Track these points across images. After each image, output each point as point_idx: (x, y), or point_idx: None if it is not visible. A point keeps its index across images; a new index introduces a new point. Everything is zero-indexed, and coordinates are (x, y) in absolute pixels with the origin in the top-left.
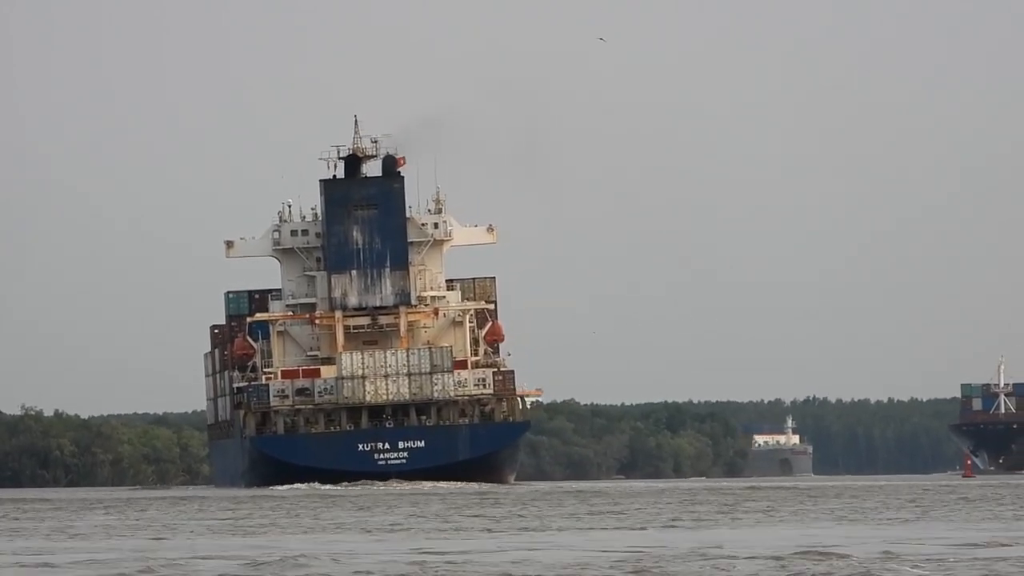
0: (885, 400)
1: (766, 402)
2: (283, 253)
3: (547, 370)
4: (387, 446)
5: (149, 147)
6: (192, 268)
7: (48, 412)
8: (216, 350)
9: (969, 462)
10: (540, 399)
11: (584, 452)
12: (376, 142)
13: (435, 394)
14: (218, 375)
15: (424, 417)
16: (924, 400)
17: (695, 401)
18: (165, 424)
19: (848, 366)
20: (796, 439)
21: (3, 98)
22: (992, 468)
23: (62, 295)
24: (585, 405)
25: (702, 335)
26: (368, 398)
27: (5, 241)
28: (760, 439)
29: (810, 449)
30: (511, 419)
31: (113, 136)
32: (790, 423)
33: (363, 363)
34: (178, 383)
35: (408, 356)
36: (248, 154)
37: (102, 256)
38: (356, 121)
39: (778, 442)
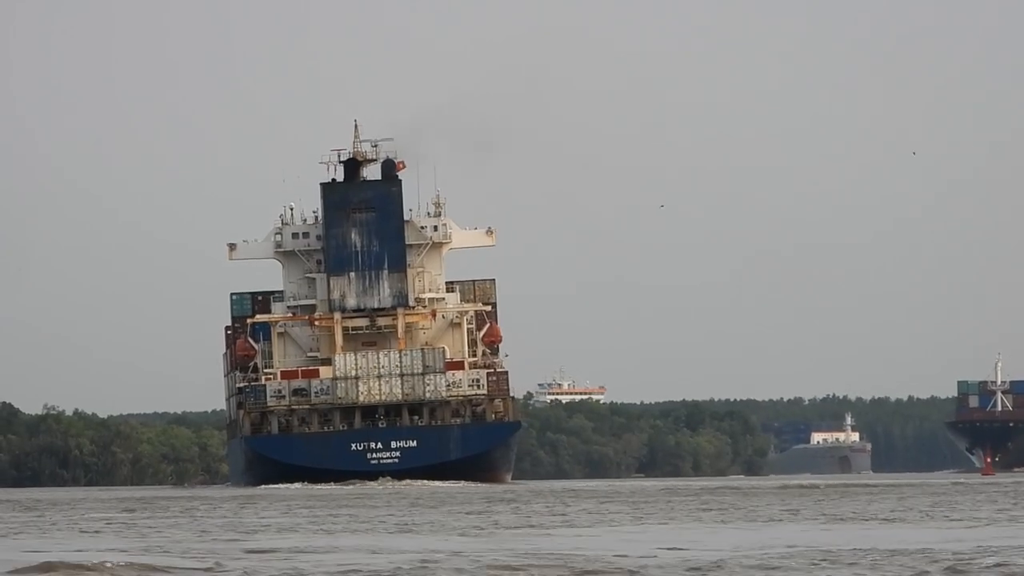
0: (904, 398)
1: (785, 400)
2: (284, 255)
3: (564, 369)
4: (379, 446)
5: (156, 152)
6: (214, 270)
7: (68, 412)
8: (228, 350)
9: (989, 459)
10: (602, 396)
11: (603, 451)
12: (376, 146)
13: (427, 394)
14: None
15: (416, 417)
16: (943, 398)
17: (714, 399)
18: (184, 423)
19: (866, 364)
20: (856, 436)
21: (10, 103)
22: None
23: (84, 297)
24: (604, 403)
25: (720, 333)
26: (361, 398)
27: (22, 246)
28: (819, 436)
29: (869, 446)
30: (506, 419)
31: (120, 142)
32: (849, 420)
33: (356, 364)
34: (199, 382)
35: (401, 357)
36: (252, 157)
37: (121, 259)
38: (356, 125)
39: (837, 439)
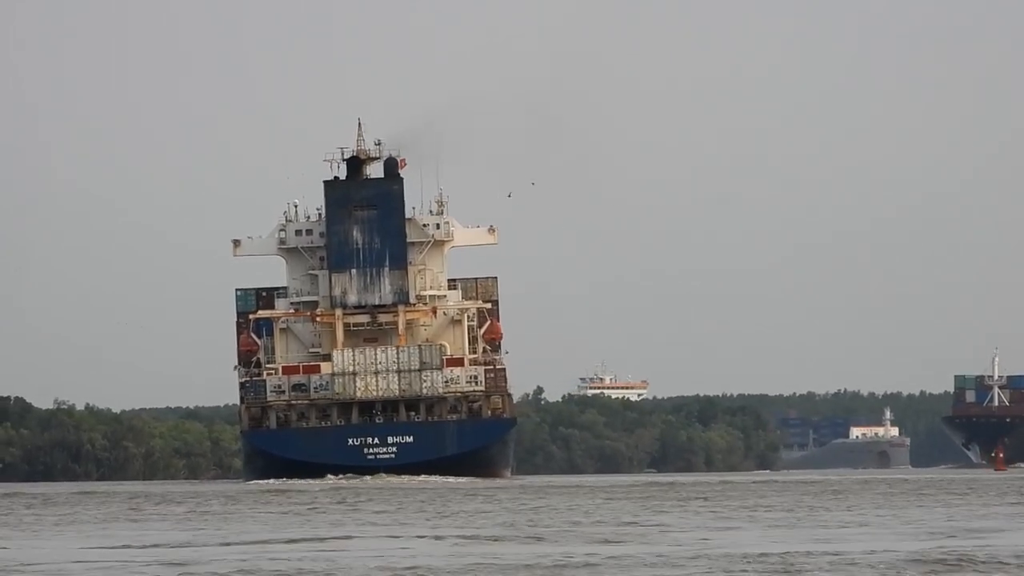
0: (917, 393)
1: (797, 395)
2: (288, 252)
3: (578, 365)
4: (376, 441)
5: (162, 150)
6: (226, 265)
7: (80, 406)
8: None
9: (1001, 455)
10: (644, 392)
11: (615, 446)
12: (379, 144)
13: (424, 391)
14: None
15: (413, 413)
16: (953, 393)
17: (726, 394)
18: (196, 418)
19: (878, 359)
20: (895, 431)
21: (15, 102)
22: (984, 462)
23: (92, 293)
24: (616, 398)
25: (731, 329)
26: (359, 394)
27: (30, 244)
28: (858, 431)
29: (908, 441)
30: (504, 415)
31: (126, 141)
32: (888, 415)
33: (355, 360)
34: (212, 377)
35: (399, 353)
36: (257, 155)
37: (130, 256)
38: (360, 124)
39: (876, 434)
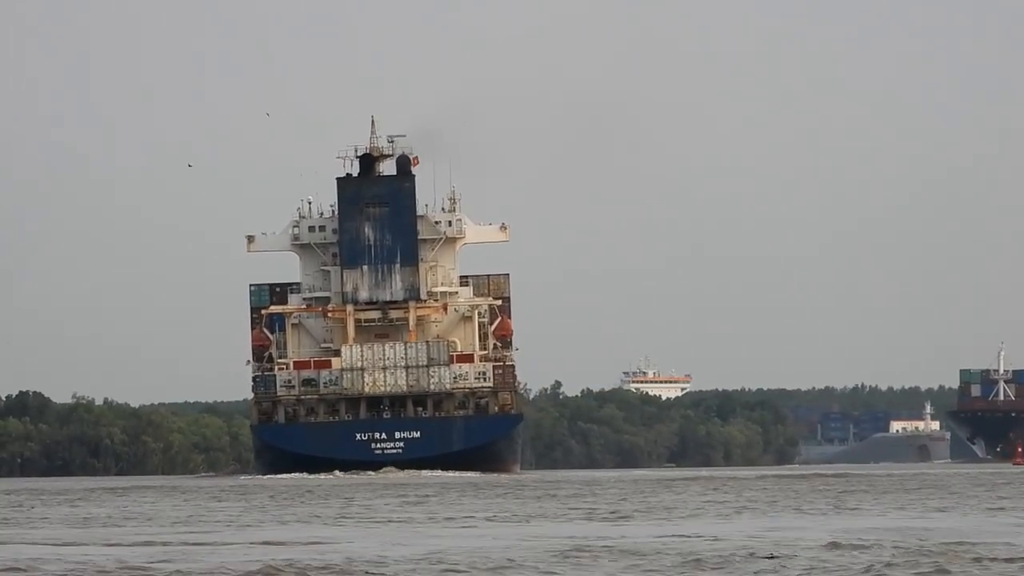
0: (936, 388)
1: (816, 390)
2: (301, 248)
3: (598, 360)
4: (384, 436)
5: (177, 148)
6: (241, 260)
7: (99, 401)
8: None
9: (1020, 449)
10: (687, 386)
11: (634, 440)
12: (392, 142)
13: (431, 386)
14: None
15: (421, 408)
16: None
17: (745, 389)
18: (215, 413)
19: (893, 354)
20: (935, 425)
21: (31, 99)
22: (989, 456)
23: (109, 287)
24: (635, 393)
25: (748, 325)
26: (367, 389)
27: (46, 241)
28: (898, 425)
29: (948, 435)
30: (513, 411)
31: (140, 138)
32: (928, 409)
33: (363, 355)
34: (231, 372)
35: (406, 349)
36: (273, 152)
37: (148, 252)
38: (373, 121)
39: (916, 428)
